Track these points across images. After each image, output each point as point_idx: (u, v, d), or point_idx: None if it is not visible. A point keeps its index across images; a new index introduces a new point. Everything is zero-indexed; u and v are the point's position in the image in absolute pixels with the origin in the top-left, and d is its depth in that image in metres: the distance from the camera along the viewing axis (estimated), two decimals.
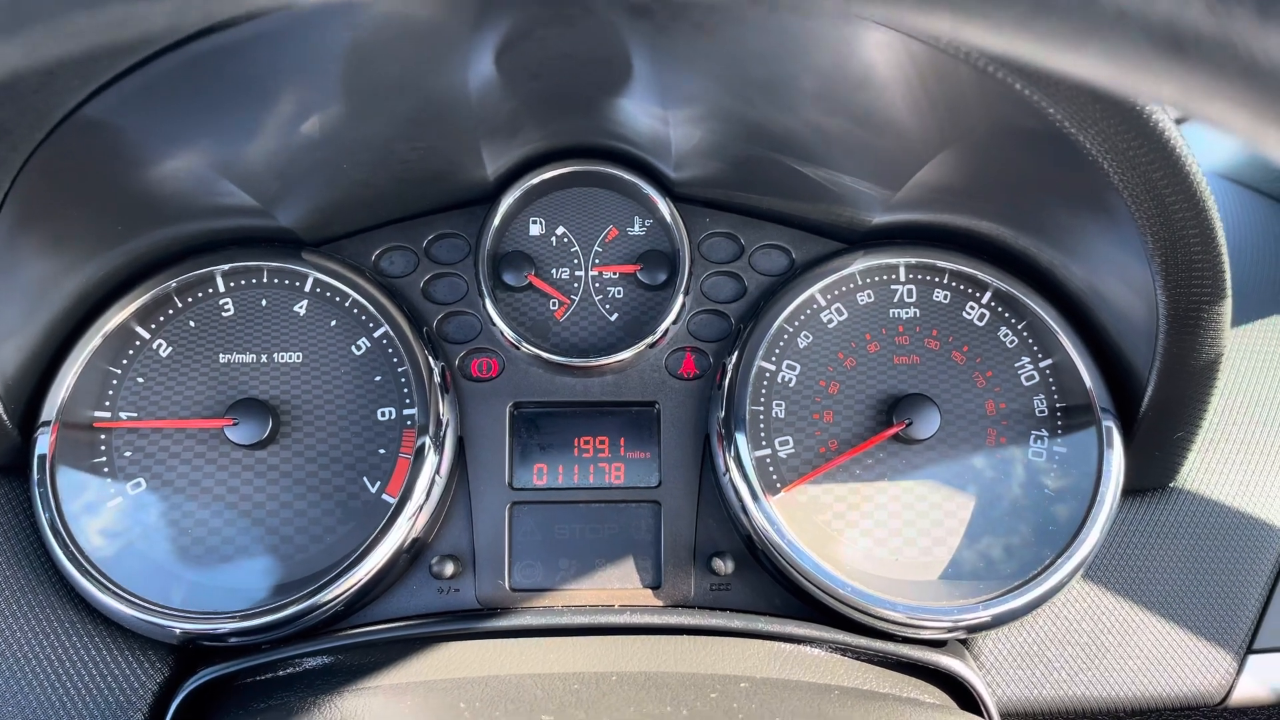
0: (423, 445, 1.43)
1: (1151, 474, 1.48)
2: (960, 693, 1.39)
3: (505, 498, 1.50)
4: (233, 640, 1.36)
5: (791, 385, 1.49)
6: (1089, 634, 1.45)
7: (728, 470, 1.44)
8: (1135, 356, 1.37)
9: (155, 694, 1.36)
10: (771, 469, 1.46)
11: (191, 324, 1.47)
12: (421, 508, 1.41)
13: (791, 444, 1.47)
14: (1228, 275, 1.19)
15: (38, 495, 1.36)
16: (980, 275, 1.50)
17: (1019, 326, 1.50)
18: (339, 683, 1.30)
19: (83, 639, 1.36)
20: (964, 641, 1.46)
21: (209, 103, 1.10)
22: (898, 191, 1.36)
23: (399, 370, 1.47)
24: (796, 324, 1.51)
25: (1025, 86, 0.98)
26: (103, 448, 1.42)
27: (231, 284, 1.49)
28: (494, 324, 1.51)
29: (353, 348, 1.48)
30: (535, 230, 1.58)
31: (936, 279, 1.52)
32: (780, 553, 1.39)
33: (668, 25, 1.05)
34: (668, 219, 1.54)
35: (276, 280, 1.50)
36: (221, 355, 1.47)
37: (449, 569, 1.45)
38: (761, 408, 1.48)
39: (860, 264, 1.51)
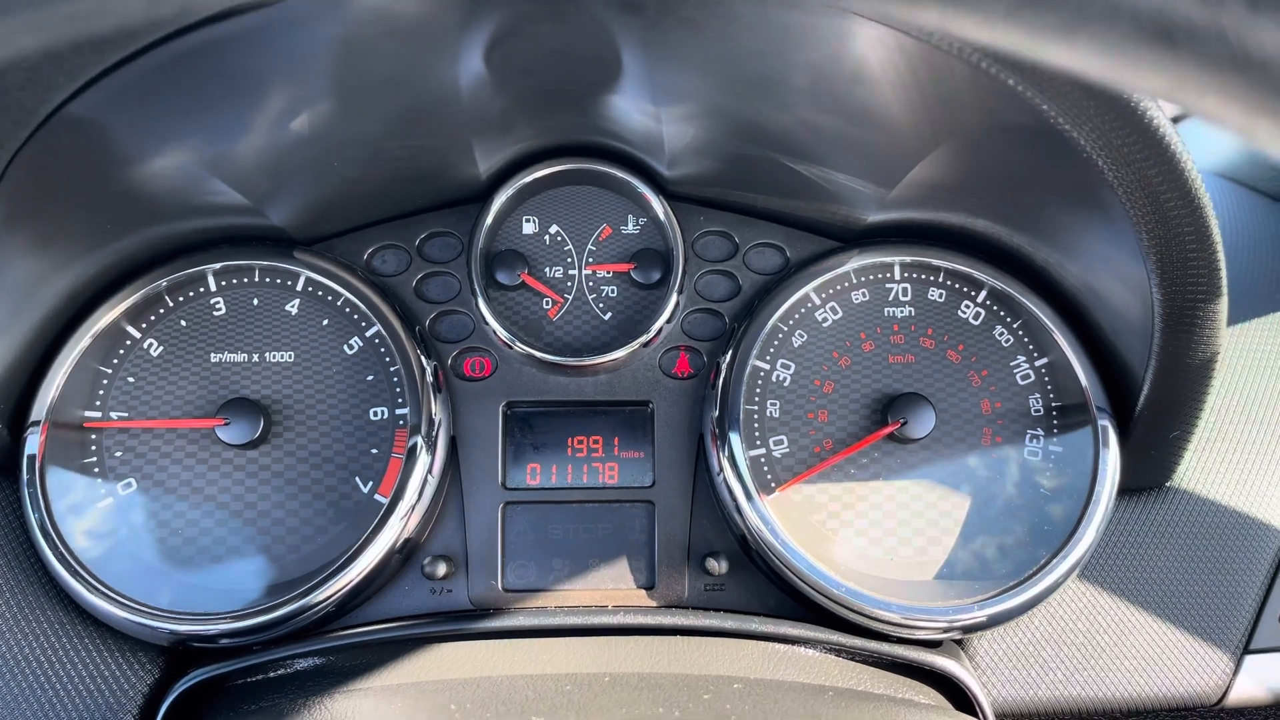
0: (415, 445, 1.42)
1: (1147, 473, 1.47)
2: (955, 693, 1.39)
3: (498, 498, 1.49)
4: (223, 641, 1.35)
5: (786, 384, 1.48)
6: (1085, 634, 1.44)
7: (722, 470, 1.43)
8: (1131, 355, 1.36)
9: (146, 695, 1.35)
10: (766, 468, 1.45)
11: (183, 323, 1.47)
12: (414, 508, 1.40)
13: (786, 443, 1.46)
14: (1223, 273, 1.18)
15: (27, 496, 1.35)
16: (975, 274, 1.49)
17: (1014, 325, 1.49)
18: (330, 684, 1.29)
19: (73, 640, 1.36)
20: (959, 642, 1.46)
21: (197, 100, 1.09)
22: (892, 189, 1.35)
23: (391, 370, 1.46)
24: (791, 323, 1.50)
25: (1018, 82, 0.97)
26: (93, 448, 1.41)
27: (223, 283, 1.48)
28: (487, 323, 1.50)
29: (345, 347, 1.48)
30: (528, 229, 1.57)
31: (931, 277, 1.51)
32: (774, 553, 1.39)
33: (658, 21, 1.04)
34: (661, 217, 1.53)
35: (268, 279, 1.49)
36: (213, 355, 1.46)
37: (441, 569, 1.45)
38: (756, 407, 1.47)
39: (855, 262, 1.50)
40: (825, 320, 1.51)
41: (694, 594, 1.48)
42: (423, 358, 1.46)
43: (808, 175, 1.40)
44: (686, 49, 1.12)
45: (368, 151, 1.34)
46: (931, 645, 1.41)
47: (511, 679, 1.27)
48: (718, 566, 1.46)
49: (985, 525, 1.43)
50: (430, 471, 1.42)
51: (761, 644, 1.39)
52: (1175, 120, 1.05)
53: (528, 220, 1.57)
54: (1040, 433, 1.46)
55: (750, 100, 1.23)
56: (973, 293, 1.50)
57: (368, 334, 1.47)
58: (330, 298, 1.48)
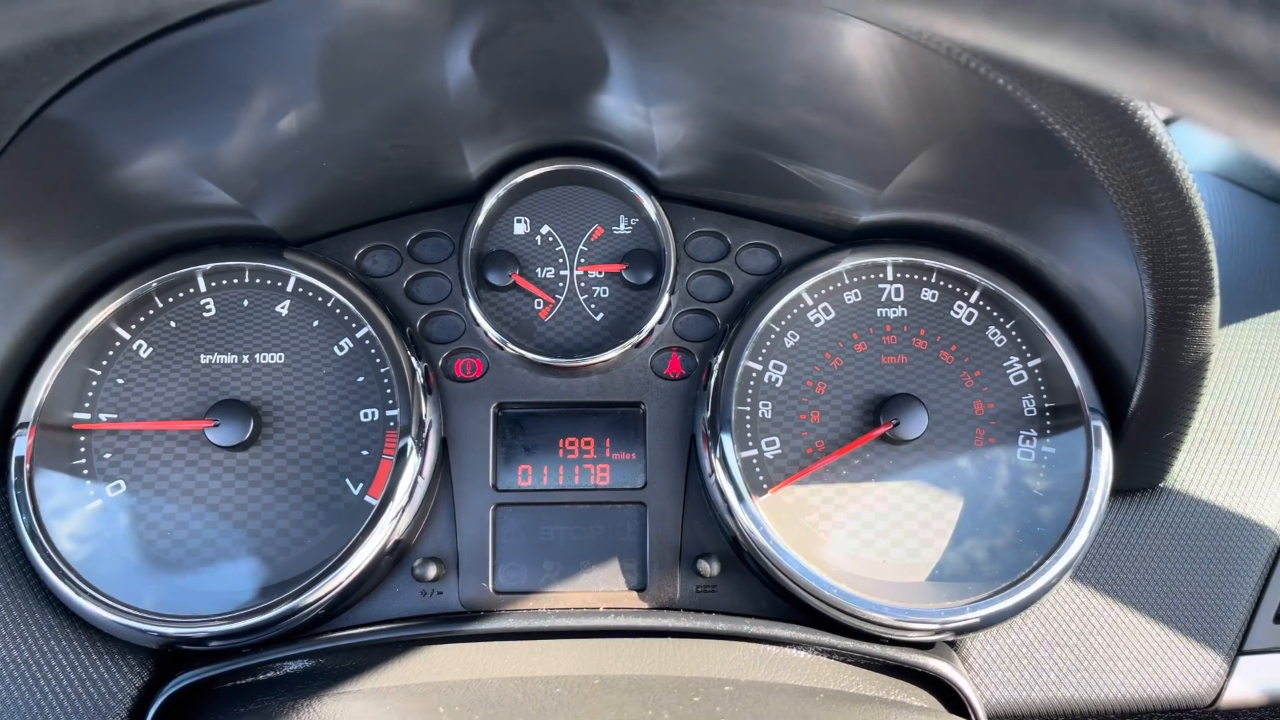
0: (405, 446, 1.41)
1: (1140, 474, 1.47)
2: (948, 695, 1.38)
3: (489, 499, 1.49)
4: (213, 644, 1.34)
5: (778, 385, 1.48)
6: (1078, 635, 1.44)
7: (713, 471, 1.43)
8: (1124, 356, 1.36)
9: (134, 698, 1.35)
10: (758, 470, 1.45)
11: (172, 324, 1.46)
12: (404, 509, 1.39)
13: (778, 444, 1.46)
14: (1215, 273, 1.18)
15: (15, 498, 1.35)
16: (968, 274, 1.48)
17: (1007, 326, 1.49)
18: (320, 686, 1.29)
19: (61, 643, 1.35)
20: (952, 643, 1.45)
21: (183, 100, 1.09)
22: (884, 189, 1.35)
23: (382, 371, 1.46)
24: (783, 323, 1.50)
25: (1008, 81, 0.97)
26: (82, 450, 1.41)
27: (213, 284, 1.47)
28: (478, 324, 1.50)
29: (335, 348, 1.47)
30: (519, 229, 1.57)
31: (924, 278, 1.51)
32: (766, 554, 1.38)
33: (646, 20, 1.04)
34: (653, 218, 1.53)
35: (258, 280, 1.48)
36: (203, 356, 1.46)
37: (432, 571, 1.44)
38: (748, 408, 1.47)
39: (847, 263, 1.50)
40: (818, 321, 1.50)
41: (686, 596, 1.47)
42: (413, 359, 1.46)
43: (799, 175, 1.39)
44: (675, 48, 1.11)
45: (357, 151, 1.33)
46: (924, 647, 1.41)
47: (501, 681, 1.27)
48: (709, 568, 1.46)
49: (978, 526, 1.42)
50: (421, 473, 1.41)
51: (753, 646, 1.38)
52: (1167, 121, 1.05)
53: (519, 221, 1.57)
54: (1033, 434, 1.45)
55: (740, 99, 1.22)
56: (965, 293, 1.50)
57: (358, 335, 1.47)
58: (320, 299, 1.48)
